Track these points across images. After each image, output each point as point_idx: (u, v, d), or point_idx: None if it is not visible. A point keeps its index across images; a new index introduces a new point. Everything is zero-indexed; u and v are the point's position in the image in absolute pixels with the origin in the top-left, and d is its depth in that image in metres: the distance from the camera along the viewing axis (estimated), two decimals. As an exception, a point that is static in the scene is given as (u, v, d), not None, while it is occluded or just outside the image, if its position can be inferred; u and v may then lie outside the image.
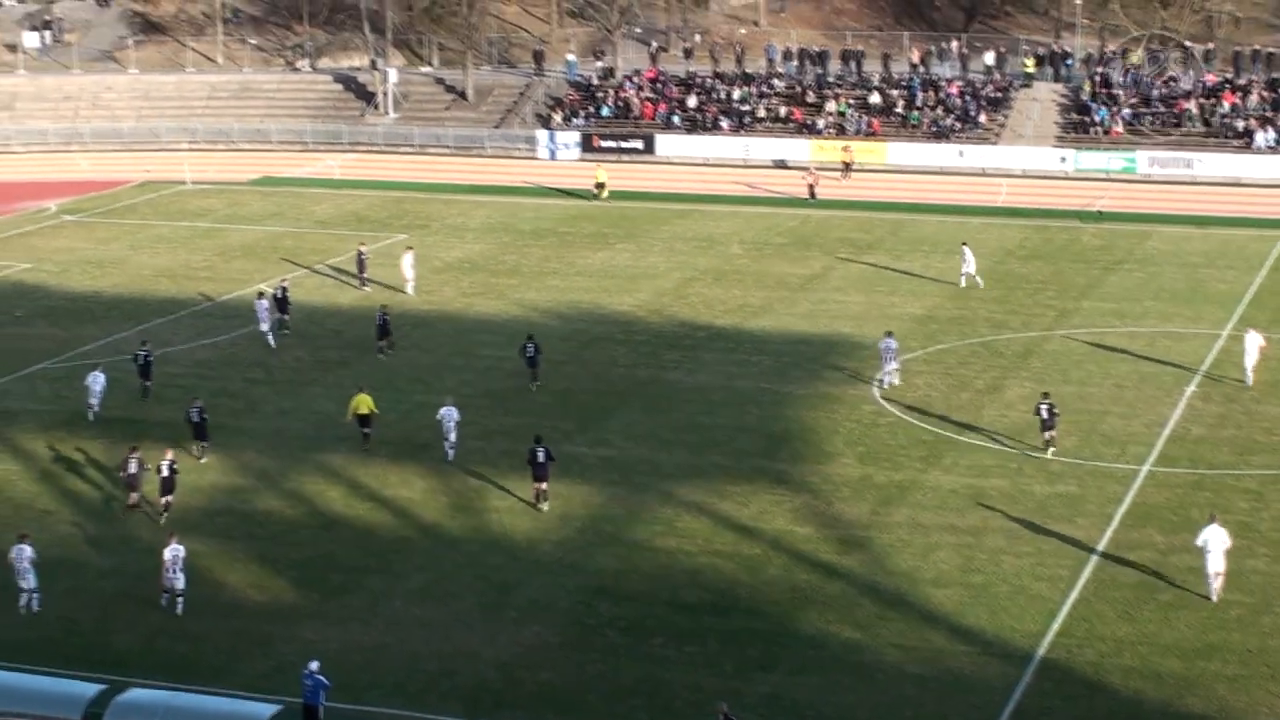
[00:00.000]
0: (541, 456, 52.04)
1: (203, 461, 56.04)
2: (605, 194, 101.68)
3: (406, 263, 78.81)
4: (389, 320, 69.06)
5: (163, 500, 51.92)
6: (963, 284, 78.36)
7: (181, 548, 45.45)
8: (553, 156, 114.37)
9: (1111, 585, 45.97)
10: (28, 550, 45.46)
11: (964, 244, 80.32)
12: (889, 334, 64.58)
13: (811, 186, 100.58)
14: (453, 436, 56.86)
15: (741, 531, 49.86)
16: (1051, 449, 55.96)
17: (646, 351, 69.01)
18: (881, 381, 63.70)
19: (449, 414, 57.04)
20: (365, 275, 79.88)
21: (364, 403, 57.85)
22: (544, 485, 52.20)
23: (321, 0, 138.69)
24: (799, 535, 49.53)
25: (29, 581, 45.37)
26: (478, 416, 59.86)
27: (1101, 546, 48.47)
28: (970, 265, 78.55)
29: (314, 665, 38.67)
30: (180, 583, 45.21)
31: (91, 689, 37.61)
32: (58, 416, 61.43)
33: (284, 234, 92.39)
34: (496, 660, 42.28)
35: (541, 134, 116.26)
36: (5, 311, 76.07)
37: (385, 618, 44.60)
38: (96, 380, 61.68)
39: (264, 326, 70.48)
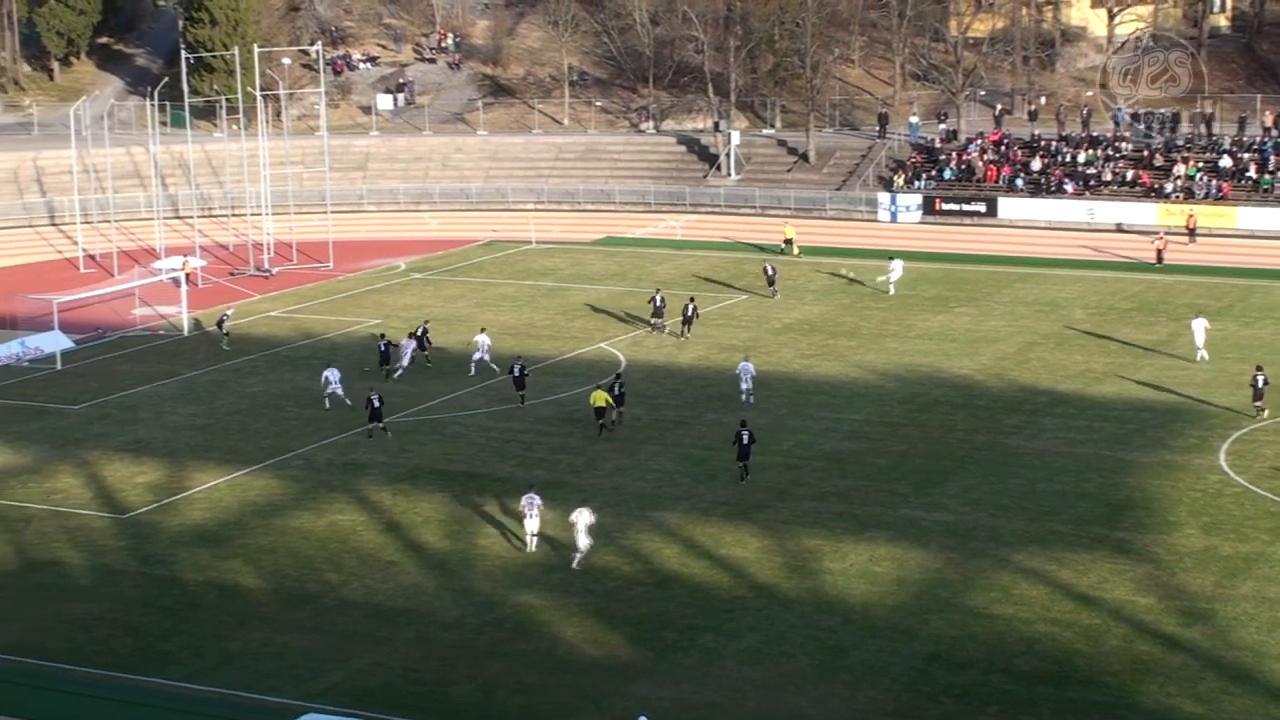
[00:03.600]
0: (745, 438, 59.71)
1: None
2: (796, 250, 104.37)
3: (482, 343, 77.00)
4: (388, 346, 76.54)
5: (616, 412, 66.30)
6: (892, 291, 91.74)
7: (585, 511, 52.23)
8: (894, 219, 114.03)
9: None
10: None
11: (893, 258, 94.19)
12: None
13: (1159, 251, 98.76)
14: (745, 386, 69.49)
15: (1080, 600, 48.86)
16: (1264, 413, 65.50)
17: (986, 416, 68.21)
18: None
19: (746, 368, 69.88)
20: (660, 319, 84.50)
21: (600, 398, 66.26)
22: (744, 463, 59.63)
23: (666, 64, 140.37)
24: (1140, 605, 48.35)
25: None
26: (813, 478, 59.84)
27: None
28: (896, 274, 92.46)
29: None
30: (582, 542, 51.94)
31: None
32: (403, 470, 62.82)
33: (625, 294, 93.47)
34: (828, 723, 42.04)
35: (883, 196, 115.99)
36: (355, 366, 78.08)
37: (717, 677, 44.60)
38: (333, 374, 71.49)
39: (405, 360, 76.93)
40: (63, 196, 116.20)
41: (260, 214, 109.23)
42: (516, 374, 71.00)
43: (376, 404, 66.47)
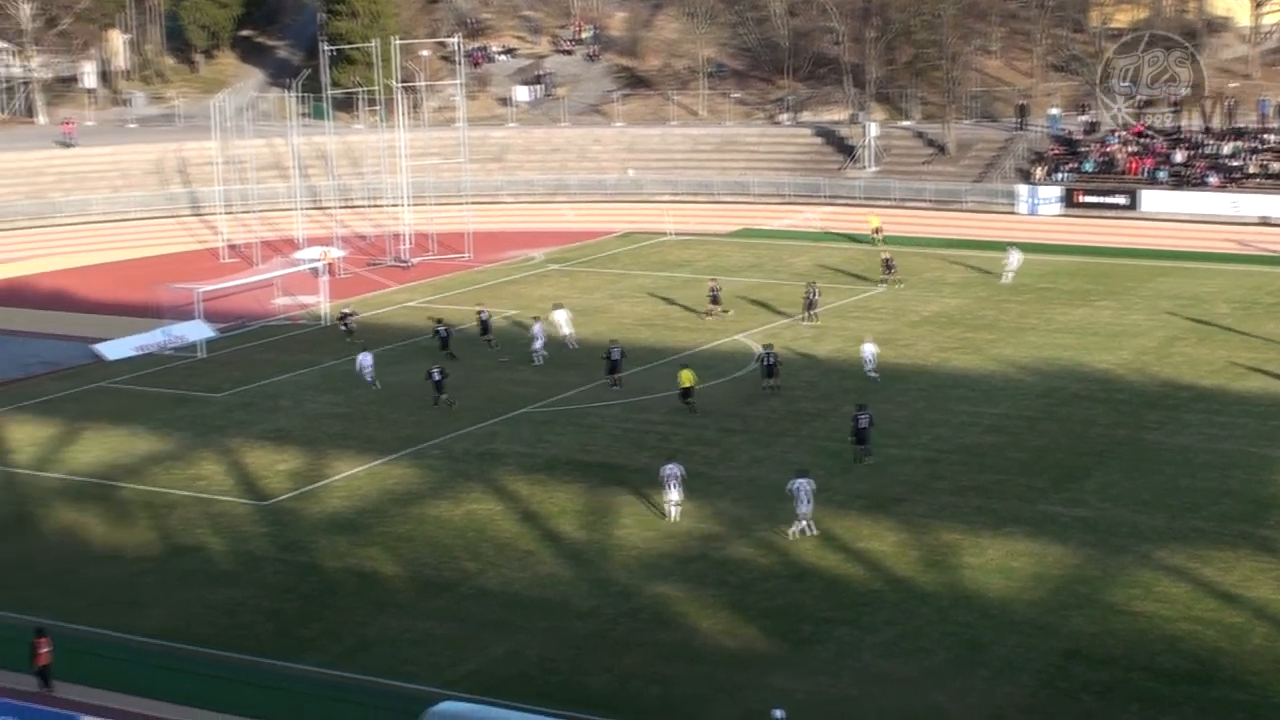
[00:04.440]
0: (864, 422, 60.80)
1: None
2: (881, 238, 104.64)
3: (562, 319, 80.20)
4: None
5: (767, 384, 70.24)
6: (1005, 279, 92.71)
7: (803, 481, 53.35)
8: (1033, 212, 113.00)
9: None
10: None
11: (1012, 245, 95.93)
12: None
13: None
14: (870, 367, 71.95)
15: (1224, 599, 48.21)
16: None
17: (1127, 411, 67.46)
18: None
19: (869, 351, 72.33)
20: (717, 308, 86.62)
21: (687, 377, 68.36)
22: (864, 446, 60.72)
23: (803, 55, 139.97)
24: (1285, 605, 47.74)
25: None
26: (951, 472, 59.50)
27: None
28: (1014, 263, 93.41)
29: (778, 714, 38.77)
30: (805, 507, 53.01)
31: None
32: (539, 460, 63.06)
33: (761, 285, 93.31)
34: (966, 719, 41.73)
35: (1022, 189, 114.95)
36: (490, 356, 78.53)
37: (854, 670, 44.42)
38: (366, 358, 75.01)
39: (537, 344, 78.47)
40: (205, 187, 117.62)
41: (399, 205, 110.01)
42: (616, 357, 72.75)
43: (438, 377, 70.71)
